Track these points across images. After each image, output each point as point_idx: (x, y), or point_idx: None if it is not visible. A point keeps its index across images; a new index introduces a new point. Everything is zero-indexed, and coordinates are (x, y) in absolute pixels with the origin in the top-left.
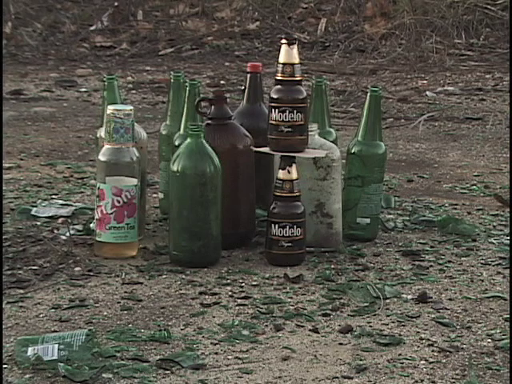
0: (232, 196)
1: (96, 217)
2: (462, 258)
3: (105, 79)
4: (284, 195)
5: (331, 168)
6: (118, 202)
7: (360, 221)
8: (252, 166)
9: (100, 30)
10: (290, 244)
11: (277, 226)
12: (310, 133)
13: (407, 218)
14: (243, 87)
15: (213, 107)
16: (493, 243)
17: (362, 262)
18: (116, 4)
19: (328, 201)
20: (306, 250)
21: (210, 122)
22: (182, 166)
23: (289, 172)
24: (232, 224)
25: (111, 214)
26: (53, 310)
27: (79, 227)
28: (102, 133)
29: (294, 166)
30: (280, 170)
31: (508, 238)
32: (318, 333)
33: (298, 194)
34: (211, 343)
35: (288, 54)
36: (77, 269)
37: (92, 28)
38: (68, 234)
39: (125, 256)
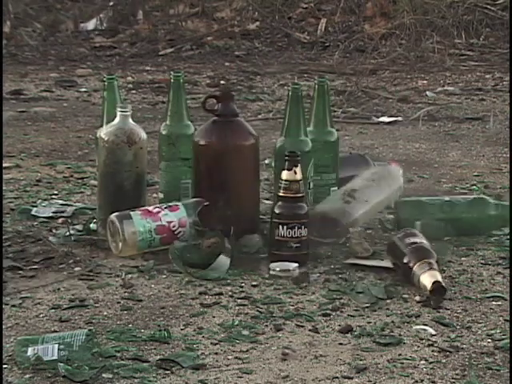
0: (237, 192)
1: None
2: (462, 258)
3: (105, 79)
4: (291, 196)
5: None
6: None
7: None
8: (258, 163)
9: (99, 30)
10: (298, 245)
11: (285, 227)
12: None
13: None
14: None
15: (220, 104)
16: (493, 243)
17: None
18: (112, 3)
19: (362, 189)
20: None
21: (216, 118)
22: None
23: (295, 173)
24: (236, 220)
25: None
26: (53, 310)
27: (79, 227)
28: (101, 133)
29: (299, 166)
30: (286, 171)
31: (508, 237)
32: (318, 333)
33: (303, 194)
34: (211, 343)
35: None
36: (77, 269)
37: (83, 24)
38: (68, 234)
39: None
